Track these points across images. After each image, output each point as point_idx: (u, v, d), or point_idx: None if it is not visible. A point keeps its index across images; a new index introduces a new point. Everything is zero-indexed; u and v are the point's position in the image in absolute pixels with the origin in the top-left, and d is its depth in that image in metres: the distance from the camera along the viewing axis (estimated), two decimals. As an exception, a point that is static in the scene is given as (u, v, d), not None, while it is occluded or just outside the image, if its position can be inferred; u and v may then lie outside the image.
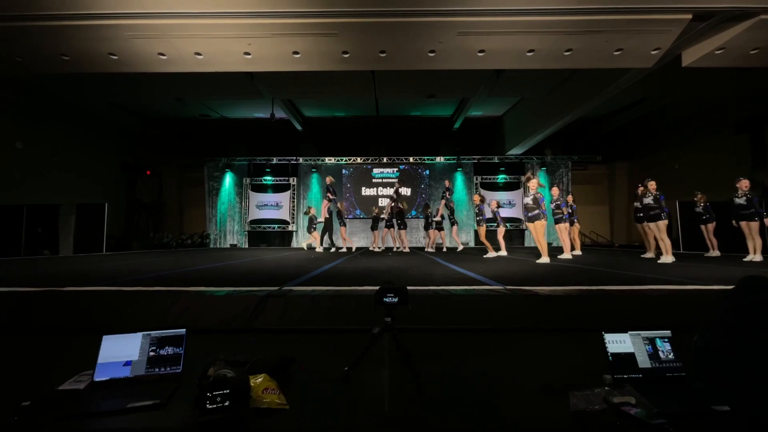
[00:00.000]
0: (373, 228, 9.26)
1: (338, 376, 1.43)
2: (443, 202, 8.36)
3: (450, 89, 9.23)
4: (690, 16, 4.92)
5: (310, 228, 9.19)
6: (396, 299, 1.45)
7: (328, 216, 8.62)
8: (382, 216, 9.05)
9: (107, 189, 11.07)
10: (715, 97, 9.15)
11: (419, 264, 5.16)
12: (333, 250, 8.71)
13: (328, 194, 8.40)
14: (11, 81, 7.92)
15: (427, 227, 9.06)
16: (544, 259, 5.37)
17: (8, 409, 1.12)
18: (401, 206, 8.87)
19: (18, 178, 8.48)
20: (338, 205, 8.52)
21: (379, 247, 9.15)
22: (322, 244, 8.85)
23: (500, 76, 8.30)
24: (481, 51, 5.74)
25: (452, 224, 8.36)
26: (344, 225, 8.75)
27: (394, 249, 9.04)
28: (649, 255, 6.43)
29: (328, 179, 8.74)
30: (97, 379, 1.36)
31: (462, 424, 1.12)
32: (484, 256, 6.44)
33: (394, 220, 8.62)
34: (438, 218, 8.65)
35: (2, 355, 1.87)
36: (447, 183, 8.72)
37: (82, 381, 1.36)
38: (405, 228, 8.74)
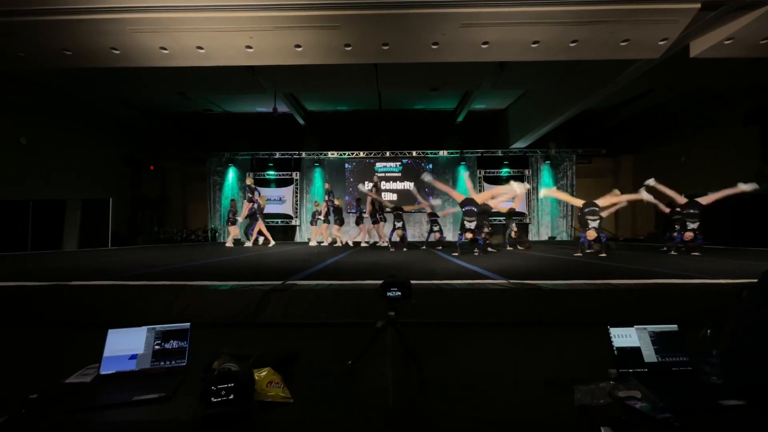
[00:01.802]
0: (312, 223, 9.70)
1: (342, 370, 1.43)
2: (370, 198, 8.34)
3: (453, 82, 9.13)
4: (699, 5, 4.82)
5: (232, 221, 9.34)
6: (399, 293, 1.44)
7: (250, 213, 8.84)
8: (319, 216, 9.43)
9: (111, 184, 11.10)
10: (724, 89, 9.00)
11: (422, 258, 5.16)
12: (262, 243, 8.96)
13: (249, 194, 8.64)
14: (15, 77, 7.92)
15: (357, 222, 9.54)
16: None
17: (16, 402, 1.13)
18: (337, 202, 9.24)
19: (23, 174, 8.54)
20: (259, 200, 8.78)
21: (364, 242, 9.49)
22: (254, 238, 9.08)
23: (504, 69, 8.20)
24: (485, 43, 5.67)
25: (375, 222, 8.37)
26: (263, 221, 9.05)
27: (323, 243, 9.42)
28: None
29: (248, 180, 8.99)
30: (103, 372, 1.37)
31: (466, 418, 1.12)
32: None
33: (331, 217, 9.12)
34: (367, 215, 8.74)
35: (10, 349, 1.90)
36: (375, 178, 8.79)
37: (88, 374, 1.38)
38: (341, 224, 9.35)
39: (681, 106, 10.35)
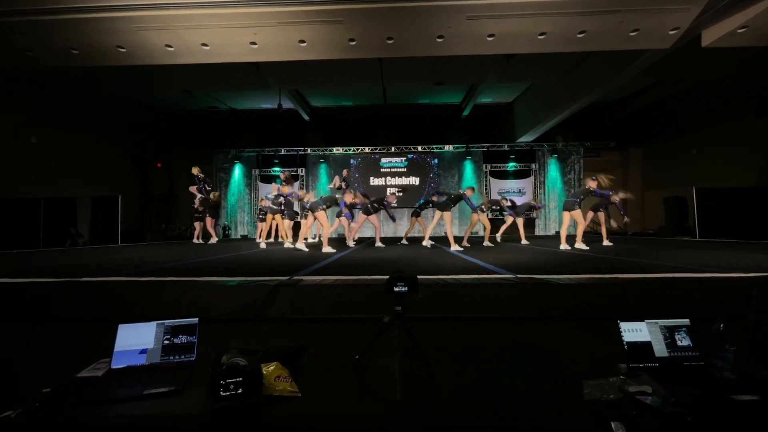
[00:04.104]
0: (260, 220, 9.64)
1: (349, 364, 1.43)
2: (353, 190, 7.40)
3: (458, 76, 9.04)
4: (711, -7, 4.71)
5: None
6: (406, 288, 1.44)
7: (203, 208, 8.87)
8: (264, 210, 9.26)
9: (120, 182, 11.24)
10: (736, 80, 8.79)
11: (427, 253, 5.15)
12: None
13: (203, 187, 8.64)
14: (24, 76, 8.02)
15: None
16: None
17: (30, 396, 1.15)
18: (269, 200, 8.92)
19: (34, 173, 8.67)
20: (211, 197, 8.81)
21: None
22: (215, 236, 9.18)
23: (510, 62, 8.09)
24: (491, 35, 5.59)
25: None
26: (212, 217, 9.04)
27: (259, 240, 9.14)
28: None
29: (194, 169, 8.70)
30: (114, 366, 1.40)
31: (474, 412, 1.12)
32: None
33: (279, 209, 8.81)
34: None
35: (23, 344, 1.93)
36: (345, 172, 8.38)
37: (100, 368, 1.40)
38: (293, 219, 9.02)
39: (691, 98, 10.14)
